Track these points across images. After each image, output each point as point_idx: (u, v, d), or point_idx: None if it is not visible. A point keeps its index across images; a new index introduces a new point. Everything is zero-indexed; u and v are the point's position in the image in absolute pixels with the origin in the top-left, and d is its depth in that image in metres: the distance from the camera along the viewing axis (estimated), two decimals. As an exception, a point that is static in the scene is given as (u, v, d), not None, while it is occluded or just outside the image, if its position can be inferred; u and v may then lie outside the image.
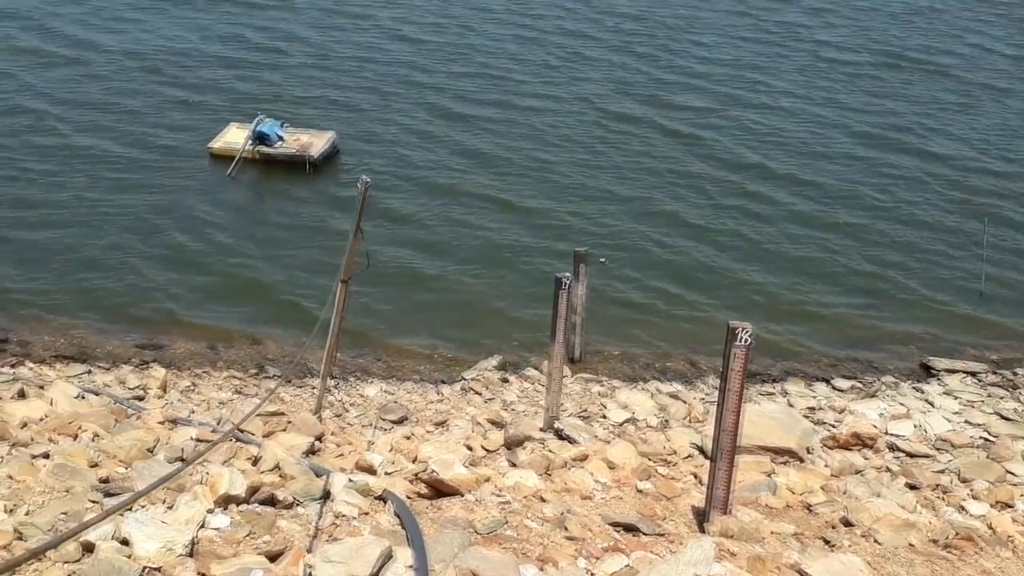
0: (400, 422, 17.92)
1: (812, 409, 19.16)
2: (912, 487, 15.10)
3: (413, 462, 13.48)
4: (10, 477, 11.02)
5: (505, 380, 20.34)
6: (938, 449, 17.12)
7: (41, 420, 14.30)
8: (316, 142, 28.29)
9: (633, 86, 34.52)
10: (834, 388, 20.52)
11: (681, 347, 21.88)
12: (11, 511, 9.93)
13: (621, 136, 30.80)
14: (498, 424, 17.08)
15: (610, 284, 23.31)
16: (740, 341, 11.53)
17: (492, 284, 23.67)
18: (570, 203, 26.98)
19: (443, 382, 20.37)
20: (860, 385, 20.67)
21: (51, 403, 15.52)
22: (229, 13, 39.61)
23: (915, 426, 18.19)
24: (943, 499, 14.69)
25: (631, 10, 41.92)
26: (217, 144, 28.32)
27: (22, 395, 16.36)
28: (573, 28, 39.74)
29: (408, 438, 15.98)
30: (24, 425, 13.84)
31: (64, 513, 9.94)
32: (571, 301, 17.87)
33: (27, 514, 9.89)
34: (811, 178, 28.80)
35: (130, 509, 9.32)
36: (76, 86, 32.60)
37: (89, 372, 19.42)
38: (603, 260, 22.49)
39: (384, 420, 17.88)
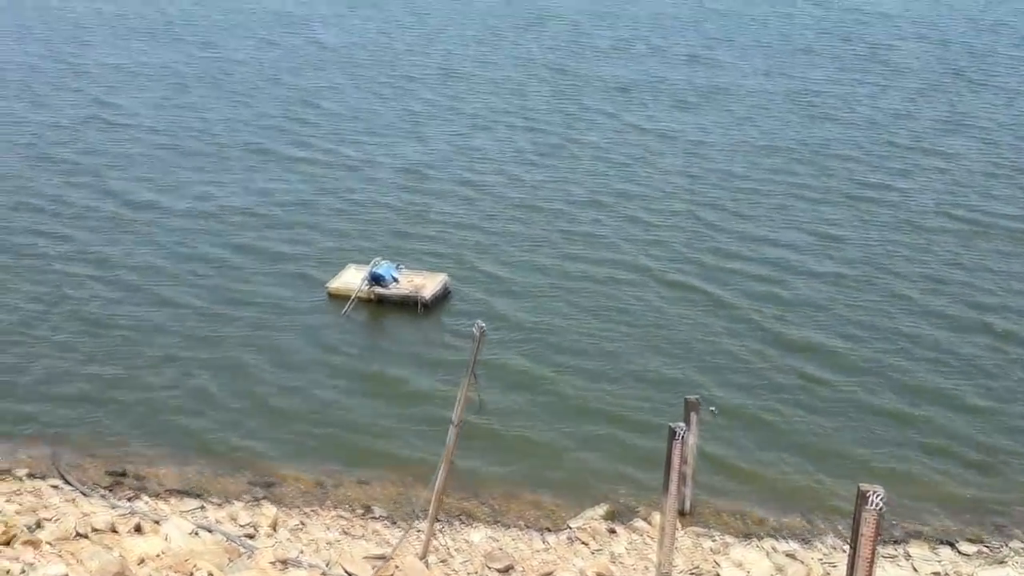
0: (506, 571, 17.63)
1: (937, 575, 18.18)
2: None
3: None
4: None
5: (612, 531, 19.90)
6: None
7: (158, 556, 14.53)
8: (429, 284, 28.96)
9: (742, 242, 34.49)
10: (959, 552, 19.46)
11: (796, 503, 21.14)
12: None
13: (730, 284, 30.62)
14: (607, 579, 16.62)
15: (720, 434, 22.81)
16: (871, 505, 11.07)
17: (598, 430, 23.43)
18: (678, 352, 26.76)
19: (548, 530, 20.04)
20: (987, 550, 19.58)
21: (166, 539, 15.78)
22: (344, 162, 41.38)
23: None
24: None
25: (728, 165, 42.26)
26: (334, 284, 29.25)
27: (138, 530, 16.70)
28: (679, 166, 40.20)
29: (515, 590, 15.66)
30: (141, 561, 14.09)
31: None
32: (683, 452, 17.51)
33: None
34: (919, 346, 28.05)
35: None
36: (198, 231, 34.18)
37: (202, 507, 19.74)
38: (713, 409, 22.09)
39: (490, 569, 17.61)
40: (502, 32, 67.66)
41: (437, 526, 18.74)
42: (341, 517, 20.13)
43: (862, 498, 11.06)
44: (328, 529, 19.43)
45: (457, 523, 20.14)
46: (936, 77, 55.94)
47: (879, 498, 11.00)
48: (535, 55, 60.39)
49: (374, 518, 20.18)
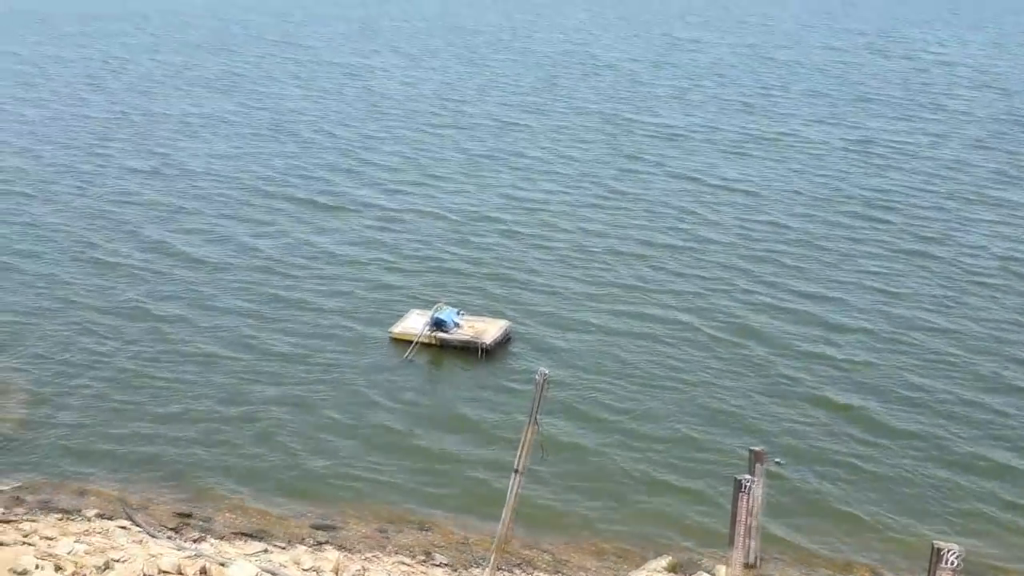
0: (569, 622, 17.43)
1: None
2: None
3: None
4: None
5: (676, 583, 19.65)
6: None
7: (225, 599, 14.63)
8: (490, 329, 29.10)
9: (797, 296, 34.20)
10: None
11: (864, 555, 20.77)
12: None
13: (785, 338, 30.34)
14: (672, 632, 16.38)
15: (785, 484, 22.49)
16: (947, 563, 10.84)
17: (660, 479, 23.26)
18: (738, 403, 26.50)
19: (611, 580, 19.86)
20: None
21: (233, 582, 15.90)
22: (405, 208, 41.90)
23: None
24: None
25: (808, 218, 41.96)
26: (397, 329, 29.53)
27: (204, 572, 16.86)
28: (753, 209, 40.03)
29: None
30: (210, 604, 14.18)
31: None
32: (749, 503, 17.31)
33: None
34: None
35: None
36: (261, 277, 34.75)
37: (266, 551, 19.88)
38: (779, 460, 21.83)
39: (552, 619, 17.44)
40: (559, 81, 68.31)
41: (498, 575, 18.66)
42: (402, 563, 20.13)
43: (936, 555, 10.82)
44: (389, 575, 19.42)
45: (518, 571, 20.05)
46: (997, 126, 55.29)
47: (955, 556, 10.75)
48: (591, 104, 60.83)
49: (435, 565, 20.16)
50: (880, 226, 39.20)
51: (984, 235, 38.33)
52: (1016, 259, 36.13)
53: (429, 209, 41.07)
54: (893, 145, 50.99)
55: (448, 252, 36.47)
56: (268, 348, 29.20)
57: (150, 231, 38.36)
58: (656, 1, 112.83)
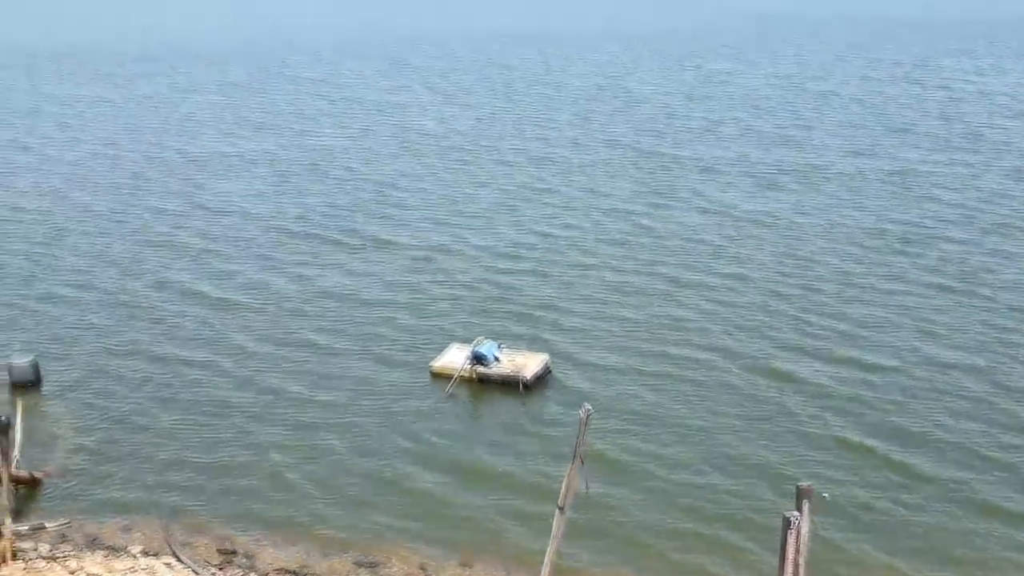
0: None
1: None
2: None
3: None
4: None
5: (723, 621, 19.36)
6: None
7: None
8: (530, 364, 29.07)
9: (836, 331, 33.87)
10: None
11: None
12: None
13: (827, 373, 30.04)
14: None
15: (832, 521, 22.15)
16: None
17: (704, 515, 23.00)
18: (781, 439, 26.21)
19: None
20: None
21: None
22: (443, 244, 42.10)
23: None
24: None
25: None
26: (438, 363, 29.57)
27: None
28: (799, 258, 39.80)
29: None
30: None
31: None
32: (797, 541, 17.04)
33: None
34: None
35: None
36: (302, 315, 35.02)
37: (310, 588, 19.87)
38: (826, 496, 21.51)
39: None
40: (592, 116, 68.61)
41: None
42: (443, 602, 20.02)
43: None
44: (432, 612, 19.32)
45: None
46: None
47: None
48: (624, 138, 61.01)
49: (478, 602, 20.02)
50: (917, 260, 38.73)
51: None
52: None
53: (463, 245, 41.25)
54: (930, 177, 50.62)
55: (483, 287, 36.55)
56: (307, 385, 29.30)
57: (185, 274, 38.55)
58: (689, 34, 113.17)
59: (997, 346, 31.30)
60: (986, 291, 35.54)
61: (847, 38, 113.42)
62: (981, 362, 30.23)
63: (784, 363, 30.33)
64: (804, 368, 29.98)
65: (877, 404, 27.85)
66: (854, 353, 30.94)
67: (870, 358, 30.59)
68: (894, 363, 30.24)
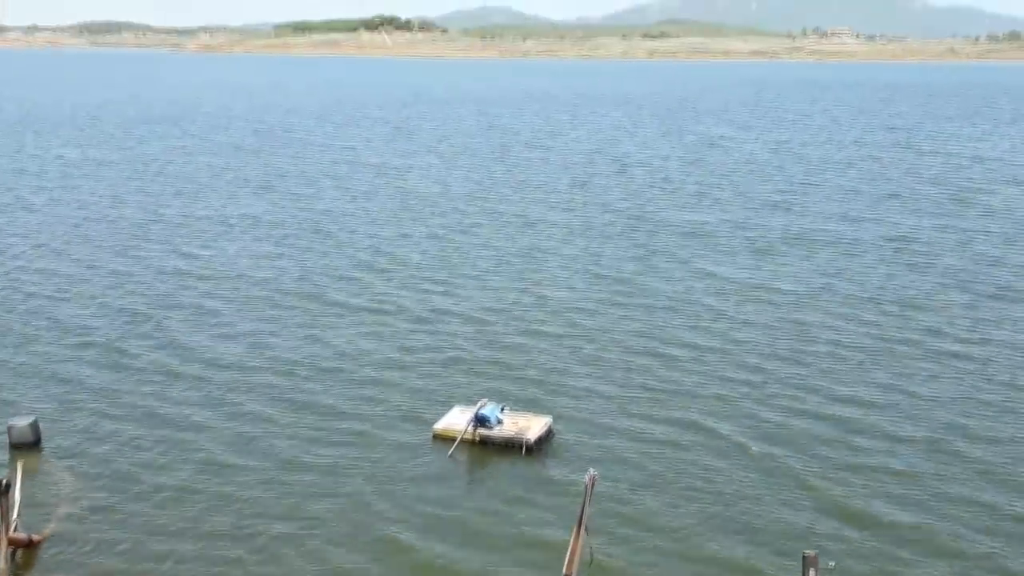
0: None
1: None
2: None
3: None
4: None
5: None
6: None
7: None
8: (533, 426, 28.94)
9: (821, 400, 33.81)
10: None
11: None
12: None
13: (813, 446, 29.93)
14: None
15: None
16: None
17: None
18: (789, 508, 26.00)
19: None
20: None
21: None
22: (444, 306, 42.21)
23: None
24: None
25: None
26: (440, 425, 29.44)
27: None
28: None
29: None
30: None
31: None
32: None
33: None
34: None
35: None
36: (306, 378, 34.95)
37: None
38: (832, 564, 21.31)
39: None
40: (591, 179, 69.29)
41: None
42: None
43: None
44: None
45: None
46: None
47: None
48: (621, 202, 61.63)
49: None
50: (913, 325, 38.79)
51: (1013, 334, 37.70)
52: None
53: (464, 307, 41.36)
54: (926, 242, 51.00)
55: (485, 349, 36.55)
56: (310, 450, 29.00)
57: (186, 335, 38.44)
58: (690, 98, 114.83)
59: (996, 411, 31.15)
60: (983, 355, 35.50)
61: (847, 101, 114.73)
62: (977, 427, 30.07)
63: (785, 428, 30.16)
64: (804, 434, 29.80)
65: (879, 471, 27.60)
66: (853, 419, 30.75)
67: (866, 423, 30.43)
68: (888, 429, 30.03)
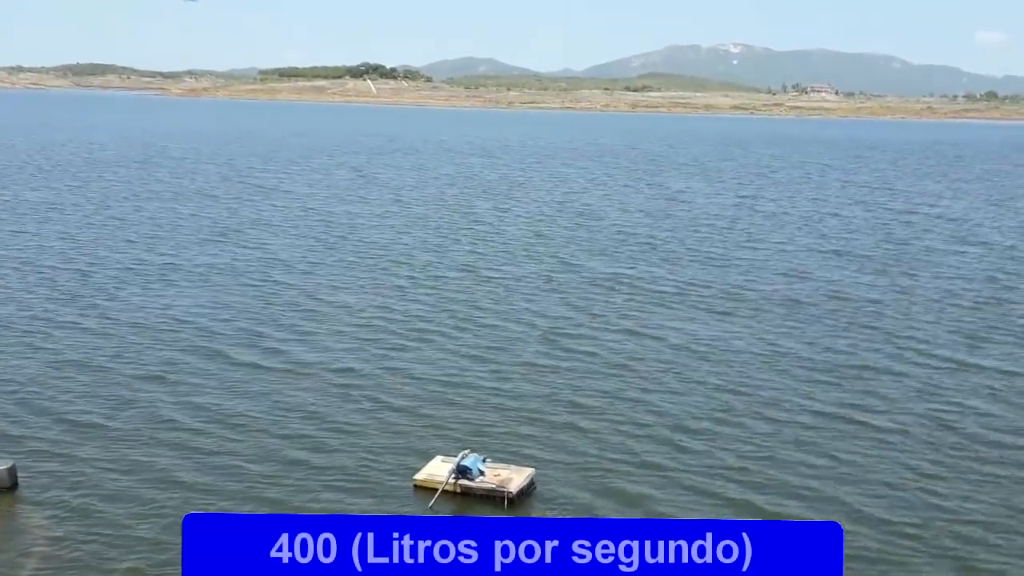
0: None
1: None
2: None
3: None
4: None
5: None
6: None
7: None
8: (515, 478, 29.05)
9: (770, 468, 34.42)
10: None
11: None
12: None
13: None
14: None
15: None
16: None
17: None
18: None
19: None
20: None
21: None
22: (426, 358, 42.38)
23: None
24: None
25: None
26: (421, 476, 29.46)
27: None
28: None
29: None
30: None
31: None
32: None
33: None
34: None
35: None
36: (279, 430, 34.83)
37: None
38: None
39: None
40: (548, 235, 70.07)
41: None
42: None
43: None
44: None
45: None
46: (980, 286, 56.45)
47: None
48: (573, 257, 62.29)
49: None
50: (854, 392, 38.41)
51: (969, 400, 37.72)
52: (1007, 428, 35.02)
53: (440, 359, 41.49)
54: (866, 301, 51.77)
55: (465, 402, 36.59)
56: (286, 501, 28.90)
57: (164, 391, 37.52)
58: (659, 152, 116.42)
59: (950, 498, 30.84)
60: (930, 429, 35.01)
61: (815, 158, 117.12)
62: (921, 513, 29.96)
63: (726, 489, 29.98)
64: (751, 490, 30.00)
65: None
66: (781, 496, 29.89)
67: (798, 503, 29.43)
68: (826, 504, 29.39)
